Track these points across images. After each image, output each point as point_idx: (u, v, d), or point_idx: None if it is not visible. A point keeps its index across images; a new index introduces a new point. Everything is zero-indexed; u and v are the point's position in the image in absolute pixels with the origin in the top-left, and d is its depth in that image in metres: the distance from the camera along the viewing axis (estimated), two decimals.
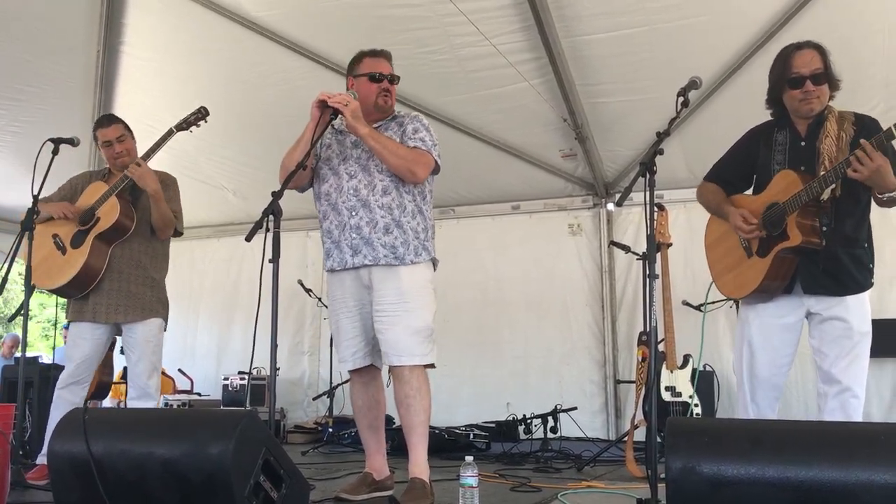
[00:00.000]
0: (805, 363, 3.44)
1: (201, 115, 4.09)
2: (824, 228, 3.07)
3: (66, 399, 4.03)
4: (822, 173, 3.01)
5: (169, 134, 4.09)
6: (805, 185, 3.02)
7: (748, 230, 3.19)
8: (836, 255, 3.06)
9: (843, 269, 3.07)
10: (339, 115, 3.36)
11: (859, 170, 2.82)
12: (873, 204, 3.13)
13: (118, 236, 4.09)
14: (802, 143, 3.18)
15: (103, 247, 4.08)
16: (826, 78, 3.12)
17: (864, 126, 3.08)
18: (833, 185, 2.99)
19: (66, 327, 4.35)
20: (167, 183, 4.32)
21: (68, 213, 4.10)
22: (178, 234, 4.34)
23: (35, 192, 4.09)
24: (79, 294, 4.11)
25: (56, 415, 3.95)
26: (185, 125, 4.10)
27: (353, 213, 3.42)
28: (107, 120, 4.31)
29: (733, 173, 3.42)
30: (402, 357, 3.35)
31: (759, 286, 3.17)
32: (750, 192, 3.40)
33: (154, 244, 4.26)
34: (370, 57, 3.58)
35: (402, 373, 3.36)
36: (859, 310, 3.08)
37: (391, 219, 3.40)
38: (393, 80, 3.56)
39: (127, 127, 4.32)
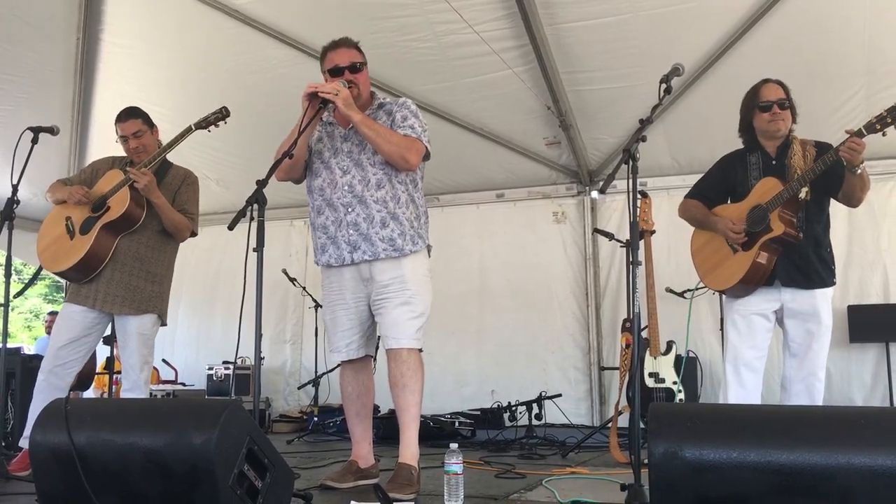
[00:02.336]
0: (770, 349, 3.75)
1: (222, 115, 4.00)
2: (798, 223, 3.55)
3: (51, 383, 3.97)
4: (801, 173, 3.50)
5: (187, 131, 4.01)
6: (786, 185, 3.51)
7: (736, 232, 3.62)
8: (807, 255, 3.57)
9: (812, 267, 3.57)
10: (330, 105, 3.33)
11: (850, 153, 3.28)
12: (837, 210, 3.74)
13: (127, 227, 4.06)
14: (774, 162, 3.68)
15: (110, 236, 4.04)
16: (789, 105, 3.67)
17: (822, 148, 3.59)
18: (807, 187, 3.49)
19: (51, 314, 4.32)
20: (188, 182, 4.31)
21: (81, 196, 4.04)
22: (193, 234, 4.31)
23: (14, 182, 4.04)
24: (81, 279, 4.08)
25: (39, 399, 3.90)
26: (204, 124, 4.00)
27: (350, 210, 3.44)
28: (125, 114, 4.22)
29: (713, 191, 3.89)
30: (400, 340, 3.40)
31: (744, 276, 3.57)
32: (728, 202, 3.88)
33: (161, 238, 4.21)
34: (330, 50, 3.53)
35: (401, 354, 3.41)
36: (825, 305, 3.58)
37: (387, 212, 3.43)
38: (354, 68, 3.47)
39: (146, 121, 4.24)
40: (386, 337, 3.45)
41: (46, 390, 3.92)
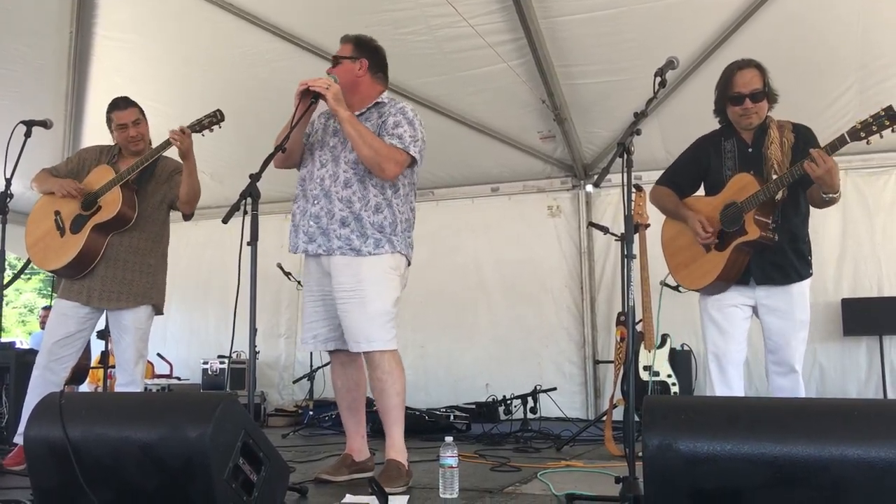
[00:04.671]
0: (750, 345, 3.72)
1: (216, 118, 3.93)
2: (773, 226, 3.44)
3: (46, 379, 3.96)
4: (780, 175, 3.36)
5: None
6: (763, 186, 3.38)
7: (705, 237, 3.54)
8: (783, 249, 3.46)
9: (788, 262, 3.47)
10: (322, 99, 3.34)
11: (815, 169, 3.16)
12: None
13: (118, 227, 4.03)
14: (750, 150, 3.54)
15: (101, 235, 4.02)
16: (764, 95, 3.49)
17: (801, 133, 3.49)
18: (785, 187, 3.36)
19: (45, 309, 4.29)
20: (181, 170, 4.27)
21: (72, 191, 4.02)
22: (188, 217, 4.28)
23: (7, 176, 4.03)
24: (73, 276, 4.06)
25: (34, 394, 3.89)
26: (198, 127, 3.93)
27: (315, 202, 3.45)
28: (123, 102, 4.18)
29: (684, 178, 3.76)
30: (360, 343, 3.35)
31: (718, 276, 3.51)
32: (701, 193, 3.75)
33: (155, 229, 4.20)
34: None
35: (373, 357, 3.38)
36: (801, 299, 3.48)
37: (349, 212, 3.39)
38: (334, 62, 3.52)
39: (142, 111, 4.22)
40: (349, 341, 3.40)
41: (42, 385, 3.91)
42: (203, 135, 3.96)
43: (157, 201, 4.20)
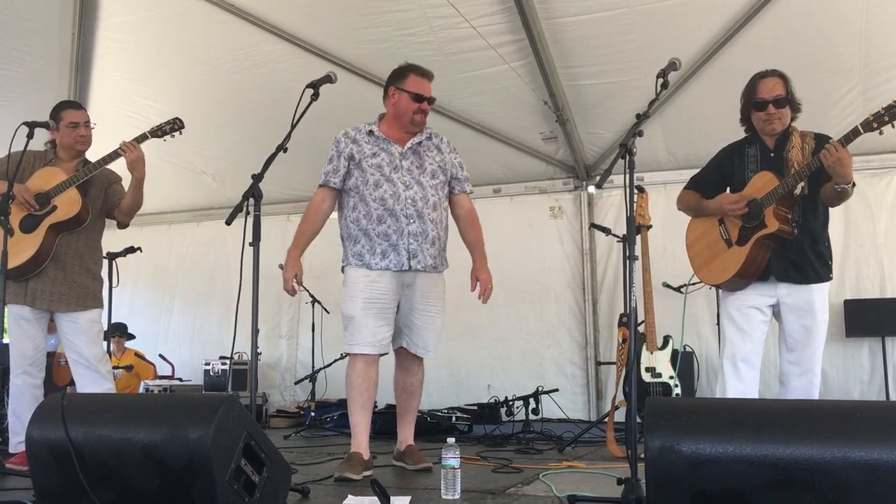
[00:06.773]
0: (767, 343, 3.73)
1: (176, 126, 4.09)
2: (794, 222, 3.53)
3: (28, 383, 3.99)
4: (798, 169, 3.45)
5: (142, 138, 4.03)
6: (782, 181, 3.47)
7: (736, 202, 3.59)
8: (803, 250, 3.53)
9: (808, 262, 3.53)
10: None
11: (828, 157, 3.27)
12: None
13: (72, 227, 4.04)
14: (772, 154, 3.63)
15: (52, 235, 4.02)
16: (787, 102, 3.58)
17: (822, 141, 3.53)
18: (803, 182, 3.46)
19: None
20: (116, 180, 4.33)
21: (30, 200, 3.97)
22: (124, 226, 4.34)
23: (10, 177, 4.02)
24: (18, 277, 3.99)
25: (20, 400, 3.94)
26: (159, 133, 4.08)
27: (411, 221, 3.73)
28: (75, 104, 4.25)
29: (710, 182, 3.85)
30: (429, 351, 3.88)
31: (738, 270, 3.56)
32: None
33: (93, 237, 4.25)
34: (417, 75, 3.86)
35: (422, 364, 3.94)
36: (821, 300, 3.55)
37: (436, 233, 3.84)
38: (431, 101, 3.86)
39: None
40: (417, 346, 3.85)
41: (27, 391, 3.96)
42: (164, 140, 4.11)
43: (97, 209, 4.22)
